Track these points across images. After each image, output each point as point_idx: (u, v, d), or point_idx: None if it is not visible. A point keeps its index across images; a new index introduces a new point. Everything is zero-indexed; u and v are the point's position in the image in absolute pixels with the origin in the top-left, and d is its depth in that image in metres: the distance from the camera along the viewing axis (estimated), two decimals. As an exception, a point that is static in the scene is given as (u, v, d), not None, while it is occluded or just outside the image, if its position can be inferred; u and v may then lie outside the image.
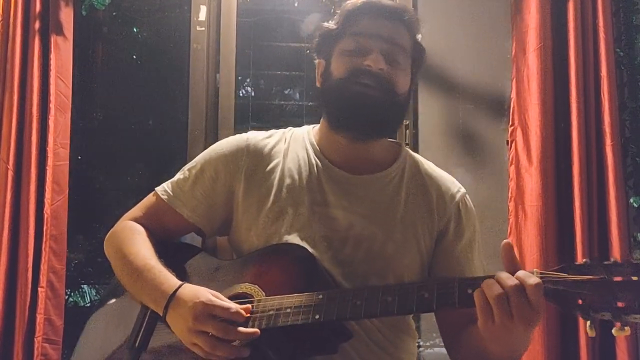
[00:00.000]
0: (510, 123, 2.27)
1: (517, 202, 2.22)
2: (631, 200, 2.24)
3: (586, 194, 2.15)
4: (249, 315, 1.09)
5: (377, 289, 1.05)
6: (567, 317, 2.11)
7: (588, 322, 0.88)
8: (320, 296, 1.07)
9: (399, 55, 1.27)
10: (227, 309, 1.08)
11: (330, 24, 1.33)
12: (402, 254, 1.25)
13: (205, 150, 1.40)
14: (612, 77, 2.21)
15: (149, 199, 1.39)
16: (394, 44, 1.26)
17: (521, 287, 0.92)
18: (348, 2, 1.33)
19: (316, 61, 1.37)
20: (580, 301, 0.89)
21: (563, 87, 2.23)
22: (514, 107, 2.26)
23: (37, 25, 2.26)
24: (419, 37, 1.33)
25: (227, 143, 1.38)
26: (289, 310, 1.07)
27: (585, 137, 2.18)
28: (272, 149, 1.35)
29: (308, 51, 2.96)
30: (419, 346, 2.59)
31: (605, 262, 0.90)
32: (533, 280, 0.92)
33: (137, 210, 1.39)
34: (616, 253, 2.12)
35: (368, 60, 1.24)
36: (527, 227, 2.18)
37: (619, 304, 0.86)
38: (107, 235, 1.37)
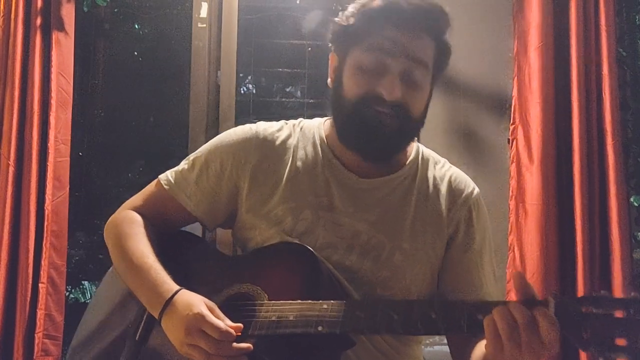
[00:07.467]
0: (512, 121, 2.27)
1: (517, 201, 2.22)
2: (632, 199, 2.23)
3: (587, 193, 2.15)
4: (239, 334, 1.04)
5: (383, 305, 1.02)
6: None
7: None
8: (325, 306, 1.02)
9: (418, 73, 1.17)
10: (217, 329, 1.02)
11: (348, 20, 1.20)
12: (410, 264, 1.21)
13: (212, 140, 1.32)
14: (614, 76, 2.20)
15: (151, 187, 1.33)
16: (415, 61, 1.16)
17: (534, 322, 0.89)
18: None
19: (330, 54, 1.27)
20: (584, 334, 0.87)
21: (564, 86, 2.22)
22: (515, 106, 2.26)
23: (38, 21, 2.25)
24: (447, 35, 1.21)
25: (235, 134, 1.30)
26: (291, 318, 1.03)
27: (587, 136, 2.18)
28: (281, 143, 1.28)
29: (309, 48, 2.96)
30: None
31: (619, 298, 0.87)
32: (547, 318, 0.89)
33: (139, 198, 1.33)
34: (616, 252, 2.12)
35: (383, 85, 1.15)
36: (527, 225, 2.18)
37: (616, 342, 0.85)
38: (107, 223, 1.32)
